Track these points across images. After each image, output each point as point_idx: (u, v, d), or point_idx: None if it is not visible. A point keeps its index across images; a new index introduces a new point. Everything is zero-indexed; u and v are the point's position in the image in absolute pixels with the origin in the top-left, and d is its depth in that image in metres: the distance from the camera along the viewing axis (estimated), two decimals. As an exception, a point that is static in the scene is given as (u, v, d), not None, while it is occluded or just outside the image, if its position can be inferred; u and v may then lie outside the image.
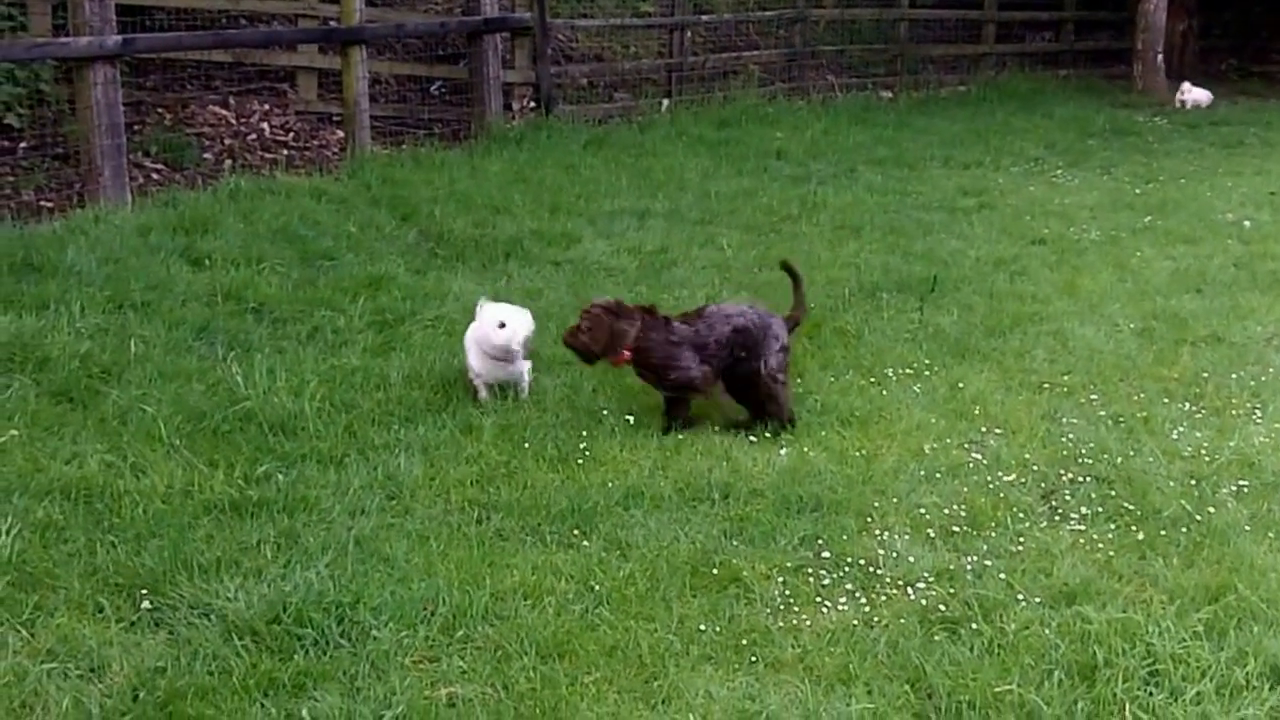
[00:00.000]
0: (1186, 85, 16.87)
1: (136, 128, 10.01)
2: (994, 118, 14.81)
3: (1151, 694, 3.66)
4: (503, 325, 5.70)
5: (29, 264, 6.76)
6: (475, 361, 5.83)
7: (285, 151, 10.76)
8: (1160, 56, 17.84)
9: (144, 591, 4.08)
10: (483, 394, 5.83)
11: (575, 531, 4.63)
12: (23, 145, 9.34)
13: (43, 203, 8.50)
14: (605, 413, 5.68)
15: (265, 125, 11.27)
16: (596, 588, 4.22)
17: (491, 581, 4.22)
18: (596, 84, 13.90)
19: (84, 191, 8.29)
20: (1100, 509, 4.88)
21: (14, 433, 5.10)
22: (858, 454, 5.32)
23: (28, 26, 9.52)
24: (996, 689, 3.66)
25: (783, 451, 5.36)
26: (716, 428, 5.63)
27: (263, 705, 3.56)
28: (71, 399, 5.50)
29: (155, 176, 9.53)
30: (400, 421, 5.49)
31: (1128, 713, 3.57)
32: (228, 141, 10.75)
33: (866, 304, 7.45)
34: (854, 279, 7.93)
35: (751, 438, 5.49)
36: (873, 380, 6.20)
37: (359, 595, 4.04)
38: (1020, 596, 4.20)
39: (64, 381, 5.60)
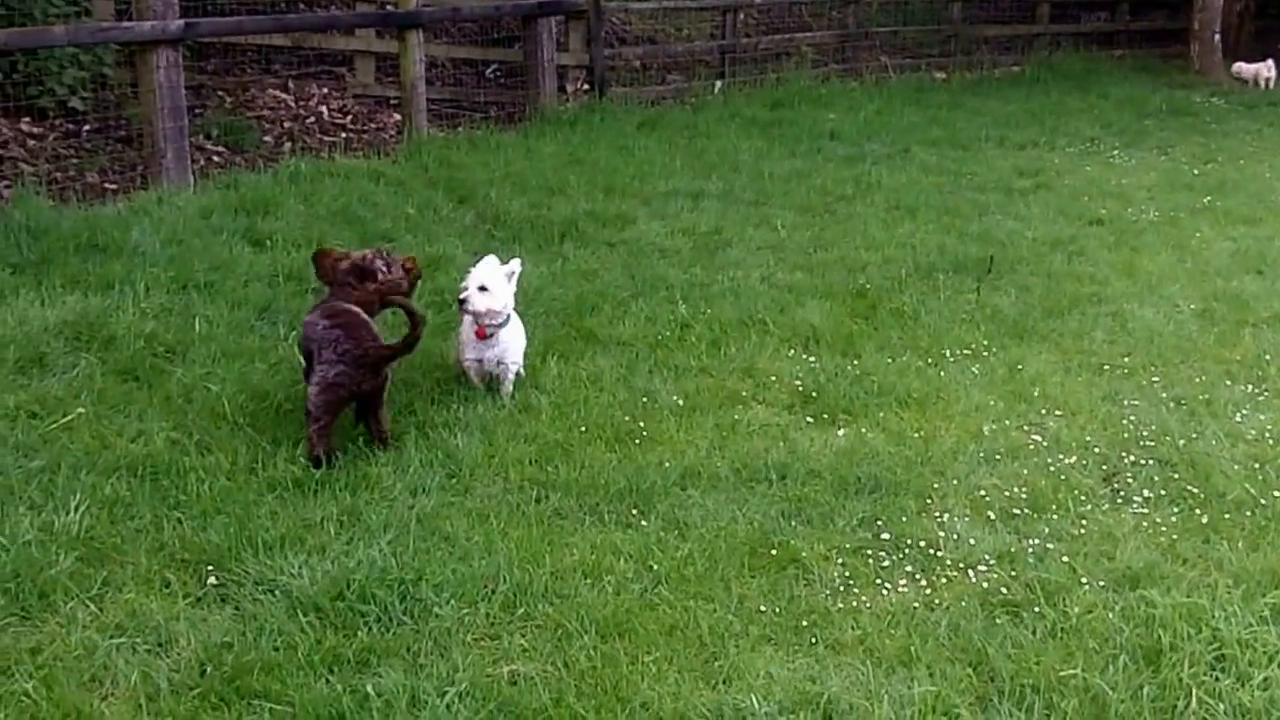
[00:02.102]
0: (1270, 63, 16.56)
1: (197, 111, 10.11)
2: (1049, 98, 14.65)
3: (1218, 679, 3.62)
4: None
5: (94, 244, 6.85)
6: (464, 334, 5.60)
7: (343, 134, 10.84)
8: (1217, 36, 17.55)
9: (210, 567, 4.14)
10: (472, 379, 5.64)
11: (633, 511, 4.64)
12: (86, 128, 9.46)
13: (106, 184, 8.61)
14: (661, 393, 5.69)
15: (324, 108, 11.36)
16: (655, 567, 4.23)
17: (551, 560, 4.24)
18: (650, 66, 13.89)
19: (147, 173, 8.39)
20: (1163, 492, 4.83)
21: (81, 410, 5.18)
22: (916, 435, 5.30)
23: (91, 11, 9.64)
24: (1060, 673, 3.64)
25: (840, 432, 5.34)
26: (764, 406, 5.62)
27: (328, 681, 3.60)
28: (137, 377, 5.58)
29: (216, 159, 9.64)
30: (459, 400, 5.52)
31: (1194, 698, 3.54)
32: (287, 124, 10.85)
33: (923, 284, 7.40)
34: (909, 259, 7.89)
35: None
36: (930, 361, 6.16)
37: (421, 572, 4.08)
38: (1083, 579, 4.17)
39: (129, 360, 5.67)
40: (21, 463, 4.74)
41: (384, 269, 5.29)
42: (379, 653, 3.73)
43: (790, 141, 11.47)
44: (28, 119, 9.29)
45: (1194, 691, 3.56)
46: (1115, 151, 11.90)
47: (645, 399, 5.62)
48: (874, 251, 8.07)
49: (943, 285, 7.38)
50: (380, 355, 4.96)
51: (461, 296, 5.45)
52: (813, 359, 6.16)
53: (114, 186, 8.56)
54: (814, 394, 5.72)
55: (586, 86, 12.47)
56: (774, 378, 5.92)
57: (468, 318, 5.55)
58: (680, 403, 5.60)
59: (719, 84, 13.60)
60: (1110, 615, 3.94)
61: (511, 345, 5.62)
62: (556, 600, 4.03)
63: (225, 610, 3.96)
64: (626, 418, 5.42)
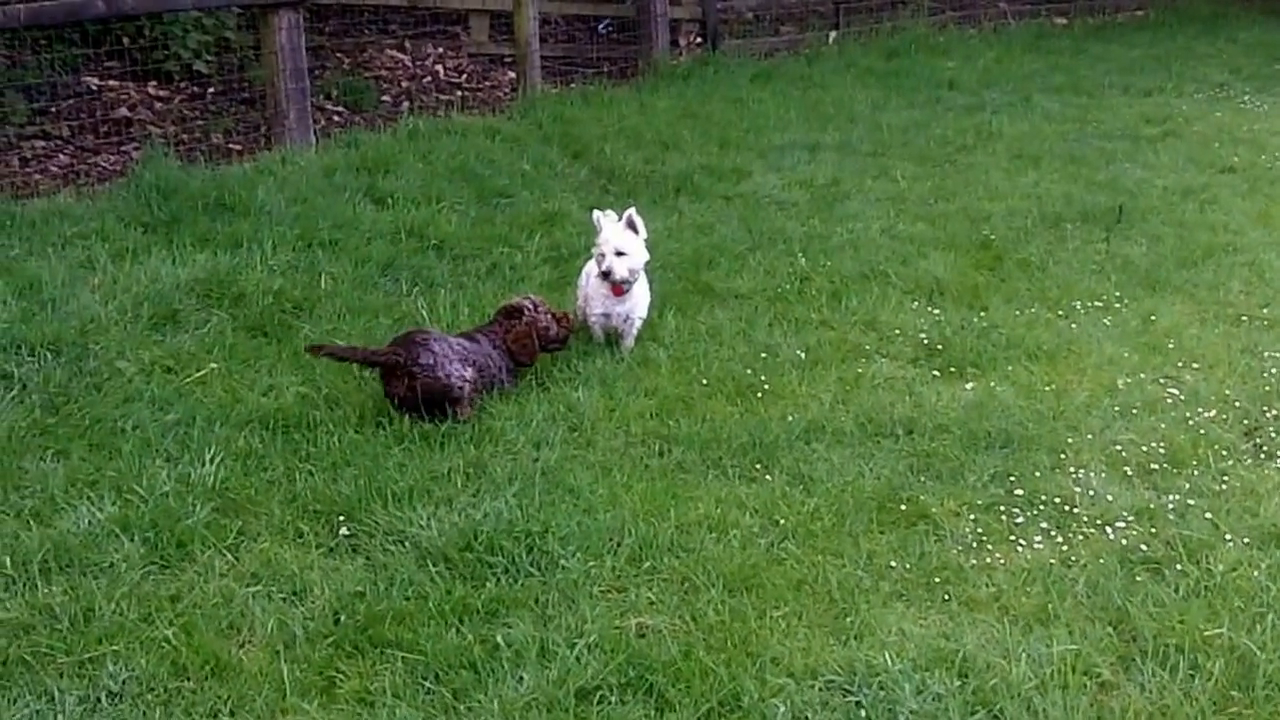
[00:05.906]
0: None
1: (317, 72, 10.22)
2: (1174, 43, 14.11)
3: (1373, 640, 3.49)
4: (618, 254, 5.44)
5: (222, 204, 6.96)
6: (590, 289, 5.62)
7: (459, 92, 10.88)
8: (1354, -24, 16.73)
9: (341, 518, 4.20)
10: (596, 335, 5.68)
11: (757, 465, 4.61)
12: (211, 90, 9.64)
13: (231, 145, 8.77)
14: (781, 346, 5.63)
15: (440, 68, 11.42)
16: (781, 522, 4.20)
17: (675, 513, 4.23)
18: (763, 18, 13.69)
19: (270, 134, 8.50)
20: (1309, 447, 4.67)
21: (214, 365, 5.29)
22: (1047, 389, 5.17)
23: (213, -26, 9.77)
24: (1205, 632, 3.54)
25: (968, 386, 5.24)
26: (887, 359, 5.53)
27: (458, 630, 3.64)
28: (266, 333, 5.68)
29: (337, 119, 9.76)
30: (578, 355, 5.53)
31: (1348, 659, 3.42)
32: (404, 84, 10.93)
33: (1049, 235, 7.22)
34: (1035, 209, 7.69)
35: (934, 373, 5.39)
36: (1060, 313, 6.01)
37: (547, 525, 4.09)
38: (1226, 537, 4.05)
39: (259, 316, 5.78)
40: (158, 416, 4.86)
41: (530, 308, 5.35)
42: (508, 604, 3.75)
43: (908, 91, 11.23)
44: (154, 83, 9.49)
45: (1348, 653, 3.44)
46: (1246, 97, 11.44)
47: (765, 353, 5.57)
48: (997, 202, 7.89)
49: (1070, 235, 7.19)
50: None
51: (604, 268, 5.46)
52: (937, 311, 6.05)
53: (238, 147, 8.71)
54: (939, 347, 5.62)
55: (699, 40, 12.35)
56: (897, 330, 5.82)
57: (593, 275, 5.56)
58: (801, 356, 5.54)
59: (833, 34, 13.36)
60: (1256, 573, 3.82)
61: (641, 300, 5.63)
62: (682, 554, 4.02)
63: (357, 560, 4.02)
64: (747, 371, 5.38)
